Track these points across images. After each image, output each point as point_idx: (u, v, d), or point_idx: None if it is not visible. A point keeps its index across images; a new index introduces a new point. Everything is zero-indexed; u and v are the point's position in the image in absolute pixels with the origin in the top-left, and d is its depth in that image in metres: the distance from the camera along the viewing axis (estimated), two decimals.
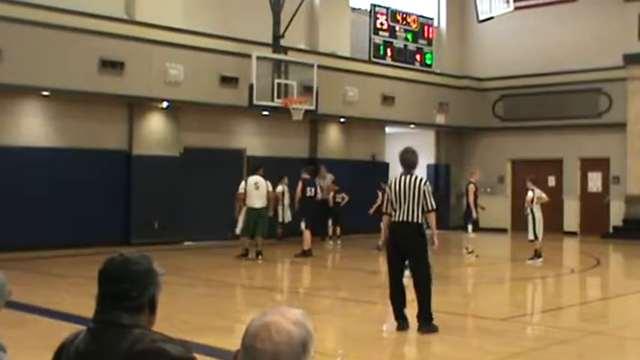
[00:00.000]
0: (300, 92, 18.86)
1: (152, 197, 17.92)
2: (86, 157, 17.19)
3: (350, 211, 19.65)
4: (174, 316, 8.54)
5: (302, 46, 20.76)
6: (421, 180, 8.50)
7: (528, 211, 15.98)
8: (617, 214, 22.75)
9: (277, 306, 1.94)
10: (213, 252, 17.48)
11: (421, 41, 23.88)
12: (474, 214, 16.68)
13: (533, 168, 22.28)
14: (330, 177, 19.64)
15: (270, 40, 18.86)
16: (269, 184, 15.99)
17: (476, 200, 16.82)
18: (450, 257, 16.77)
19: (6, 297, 3.24)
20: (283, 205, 19.40)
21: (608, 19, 22.97)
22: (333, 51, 21.30)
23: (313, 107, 18.98)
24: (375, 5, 22.75)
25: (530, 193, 15.99)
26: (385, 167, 22.93)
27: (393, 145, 20.47)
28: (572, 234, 23.34)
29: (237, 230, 16.16)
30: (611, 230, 22.58)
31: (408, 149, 8.76)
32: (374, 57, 22.50)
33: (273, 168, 18.09)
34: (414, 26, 23.67)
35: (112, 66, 16.35)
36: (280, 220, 19.42)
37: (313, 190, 17.05)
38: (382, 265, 12.46)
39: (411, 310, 8.44)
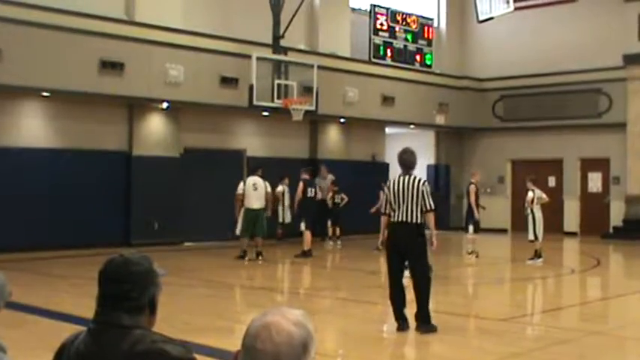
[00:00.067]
0: (300, 93, 18.86)
1: (152, 198, 17.92)
2: (86, 158, 17.19)
3: (350, 211, 19.65)
4: (175, 317, 8.54)
5: (302, 47, 20.77)
6: (420, 180, 8.50)
7: (528, 211, 15.99)
8: (617, 214, 22.75)
9: (277, 306, 1.94)
10: (214, 253, 17.48)
11: (421, 42, 23.89)
12: (476, 215, 16.66)
13: (533, 168, 22.28)
14: (330, 177, 19.64)
15: (270, 41, 18.87)
16: (268, 184, 15.97)
17: (477, 201, 16.81)
18: (450, 257, 16.77)
19: (6, 298, 3.24)
20: (283, 205, 19.40)
21: (608, 20, 22.98)
22: (333, 51, 21.30)
23: (313, 108, 18.98)
24: (374, 6, 22.76)
25: (530, 194, 15.99)
26: (385, 168, 22.92)
27: (393, 145, 20.45)
28: (573, 234, 23.34)
29: (237, 231, 16.16)
30: (611, 230, 22.57)
31: (407, 150, 8.77)
32: (374, 57, 22.50)
33: (273, 168, 18.11)
34: (413, 27, 23.68)
35: (112, 67, 16.35)
36: (280, 220, 19.42)
37: (313, 190, 17.06)
38: (382, 265, 12.46)
39: (411, 311, 8.44)
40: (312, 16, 21.80)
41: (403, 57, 23.24)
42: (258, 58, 18.06)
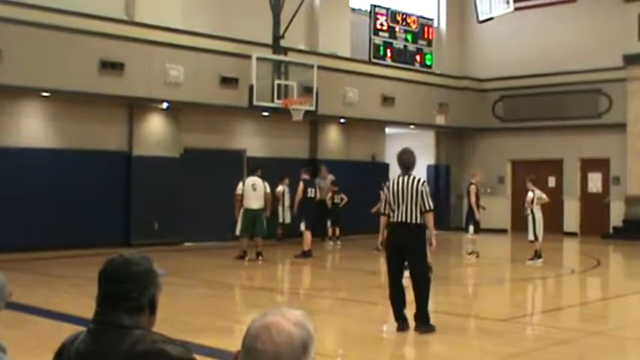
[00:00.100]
0: (300, 93, 18.86)
1: (152, 198, 17.91)
2: (86, 158, 17.19)
3: (350, 211, 19.64)
4: (175, 317, 8.54)
5: (302, 47, 20.77)
6: (419, 180, 8.50)
7: (528, 211, 15.99)
8: (617, 214, 22.75)
9: (278, 307, 1.94)
10: (213, 253, 17.48)
11: (421, 42, 23.89)
12: (477, 215, 16.65)
13: (534, 168, 22.27)
14: (330, 177, 19.64)
15: (270, 41, 18.87)
16: (267, 185, 15.95)
17: (478, 201, 16.80)
18: (450, 258, 16.77)
19: (6, 298, 3.24)
20: (284, 205, 19.40)
21: (608, 20, 22.98)
22: (333, 52, 21.30)
23: (313, 108, 18.98)
24: (375, 6, 22.76)
25: (530, 194, 15.99)
26: (385, 168, 22.92)
27: (393, 145, 20.42)
28: (573, 234, 23.33)
29: (237, 231, 16.16)
30: (611, 231, 22.57)
31: (406, 150, 8.77)
32: (374, 58, 22.50)
33: (273, 169, 18.11)
34: (413, 27, 23.68)
35: (112, 67, 16.35)
36: (281, 220, 19.42)
37: (313, 191, 17.06)
38: (382, 265, 12.45)
39: (411, 311, 8.44)
40: (312, 17, 21.80)
41: (403, 57, 23.24)
42: (258, 59, 18.06)
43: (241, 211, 15.78)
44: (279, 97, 18.43)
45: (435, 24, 25.27)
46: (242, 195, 15.68)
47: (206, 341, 7.44)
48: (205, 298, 11.34)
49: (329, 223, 19.85)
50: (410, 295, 8.48)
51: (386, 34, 22.86)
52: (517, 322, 9.63)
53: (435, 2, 26.20)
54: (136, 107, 18.11)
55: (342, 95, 21.13)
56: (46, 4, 15.44)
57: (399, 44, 23.18)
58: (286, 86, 18.67)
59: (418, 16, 24.00)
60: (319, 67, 19.38)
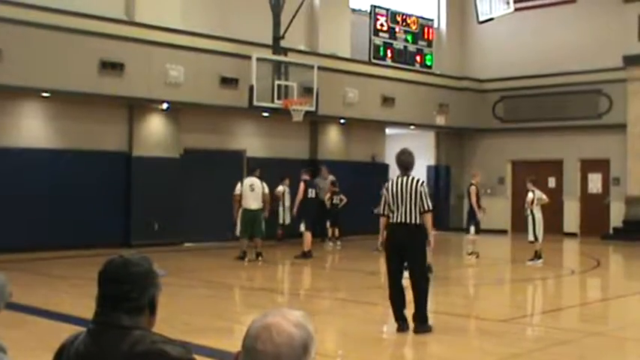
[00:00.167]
0: (300, 93, 18.86)
1: (152, 199, 17.91)
2: (86, 159, 17.19)
3: (350, 212, 19.63)
4: (175, 318, 8.54)
5: (302, 48, 20.77)
6: (418, 181, 8.51)
7: (528, 212, 15.99)
8: (617, 215, 22.75)
9: (278, 307, 1.94)
10: (213, 253, 17.47)
11: (421, 42, 23.88)
12: (478, 216, 16.65)
13: (534, 169, 22.27)
14: (330, 178, 19.64)
15: (270, 42, 18.86)
16: (265, 185, 15.93)
17: (478, 202, 16.80)
18: (450, 258, 16.77)
19: (6, 298, 3.24)
20: (284, 206, 19.40)
21: (608, 20, 22.98)
22: (333, 52, 21.30)
23: (313, 108, 18.97)
24: (375, 6, 22.76)
25: (530, 195, 15.99)
26: (385, 168, 22.91)
27: (393, 146, 20.39)
28: (572, 235, 23.33)
29: (237, 232, 16.15)
30: (611, 231, 22.57)
31: (404, 150, 8.78)
32: (374, 58, 22.50)
33: (273, 169, 18.10)
34: (414, 27, 23.67)
35: (111, 67, 16.34)
36: (281, 221, 19.42)
37: (314, 191, 17.06)
38: (382, 266, 12.44)
39: (411, 312, 8.44)
40: (312, 17, 21.80)
41: (403, 58, 23.23)
42: (258, 59, 18.06)
43: (240, 211, 15.78)
44: (279, 98, 18.42)
45: (435, 24, 25.27)
46: (240, 195, 15.68)
47: (206, 342, 7.44)
48: (205, 298, 11.34)
49: (328, 223, 19.84)
50: (410, 296, 8.49)
51: (386, 35, 22.86)
52: (517, 322, 9.64)
53: (435, 3, 26.21)
54: (136, 108, 18.11)
55: (342, 96, 21.13)
56: (46, 4, 15.44)
57: (399, 45, 23.18)
58: (286, 87, 18.66)
59: (418, 17, 23.99)
60: (319, 68, 19.38)
